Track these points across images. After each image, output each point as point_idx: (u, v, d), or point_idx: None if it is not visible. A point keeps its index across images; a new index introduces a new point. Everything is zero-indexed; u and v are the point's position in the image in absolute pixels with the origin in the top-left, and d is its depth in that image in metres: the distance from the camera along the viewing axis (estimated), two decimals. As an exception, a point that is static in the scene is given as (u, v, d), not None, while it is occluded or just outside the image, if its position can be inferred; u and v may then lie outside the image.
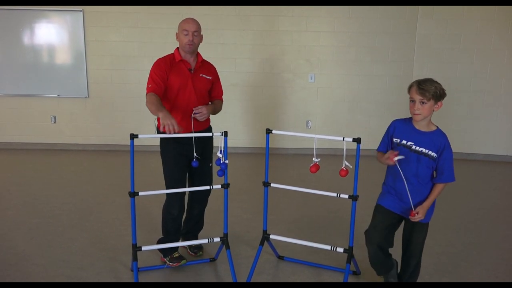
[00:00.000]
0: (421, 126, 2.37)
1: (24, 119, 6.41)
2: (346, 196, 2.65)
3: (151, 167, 5.14)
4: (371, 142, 6.49)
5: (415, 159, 2.36)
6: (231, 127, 6.39)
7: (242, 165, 5.79)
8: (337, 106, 6.42)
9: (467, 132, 6.34)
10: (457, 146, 6.40)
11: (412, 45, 6.21)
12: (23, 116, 6.40)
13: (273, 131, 2.78)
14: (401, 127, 2.44)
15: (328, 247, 2.73)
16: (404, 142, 2.39)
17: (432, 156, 2.34)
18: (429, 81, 2.28)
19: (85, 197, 4.35)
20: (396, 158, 2.31)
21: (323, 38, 6.23)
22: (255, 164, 5.95)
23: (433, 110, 2.31)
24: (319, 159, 2.59)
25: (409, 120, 2.43)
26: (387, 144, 2.51)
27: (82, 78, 6.28)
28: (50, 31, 6.18)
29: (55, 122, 6.43)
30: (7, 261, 2.98)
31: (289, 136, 6.21)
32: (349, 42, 6.23)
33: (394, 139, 2.44)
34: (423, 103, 2.27)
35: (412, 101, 2.32)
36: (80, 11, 6.08)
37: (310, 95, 6.39)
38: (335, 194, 2.70)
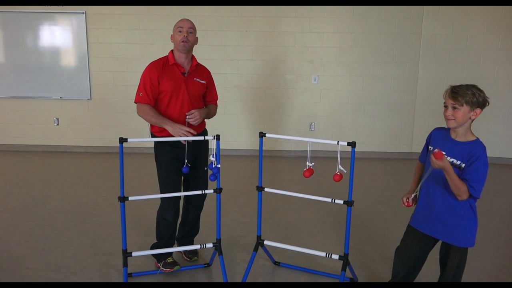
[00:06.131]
0: (457, 135, 2.16)
1: (27, 121, 6.43)
2: (341, 202, 2.58)
3: (152, 169, 5.11)
4: (376, 144, 6.44)
5: None
6: (233, 129, 6.35)
7: (243, 168, 5.74)
8: (341, 108, 6.33)
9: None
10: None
11: (417, 45, 6.11)
12: (27, 118, 6.42)
13: (267, 135, 2.72)
14: (437, 136, 2.26)
15: (323, 254, 2.66)
16: (437, 157, 2.13)
17: (460, 167, 2.11)
18: (465, 86, 2.10)
19: (84, 200, 4.33)
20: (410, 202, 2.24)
21: (326, 39, 6.15)
22: (257, 167, 5.88)
23: (470, 118, 2.10)
24: (313, 163, 2.53)
25: (448, 129, 2.23)
26: (426, 153, 2.31)
27: (85, 80, 6.28)
28: (53, 34, 6.20)
29: (58, 124, 6.45)
30: (0, 265, 2.96)
31: (292, 139, 6.16)
32: (353, 43, 6.14)
33: (430, 147, 2.29)
34: (455, 108, 2.09)
35: (445, 106, 2.15)
36: (83, 13, 6.08)
37: (313, 96, 6.32)
38: (329, 199, 2.63)
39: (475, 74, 6.04)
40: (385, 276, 2.88)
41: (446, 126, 2.22)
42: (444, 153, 2.09)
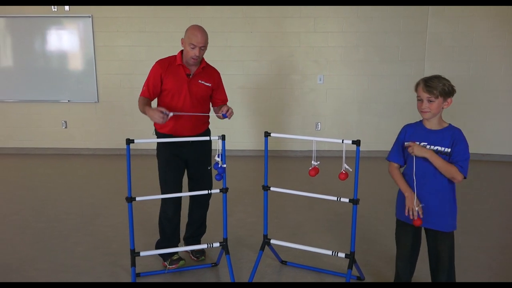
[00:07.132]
0: (432, 125, 2.25)
1: (35, 125, 6.50)
2: (347, 200, 2.59)
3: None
4: (382, 143, 6.42)
5: None
6: (239, 129, 6.37)
7: (249, 168, 5.76)
8: (347, 107, 6.33)
9: (481, 132, 6.17)
10: (471, 146, 6.23)
11: (422, 44, 6.09)
12: (35, 122, 6.49)
13: (272, 134, 2.74)
14: (412, 130, 2.31)
15: (329, 252, 2.67)
16: (417, 143, 2.25)
17: (447, 152, 2.20)
18: (436, 78, 2.19)
19: (92, 201, 4.37)
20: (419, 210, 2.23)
21: (331, 39, 6.16)
22: (262, 167, 5.89)
23: (443, 108, 2.21)
24: (318, 162, 2.54)
25: (420, 122, 2.32)
26: (399, 152, 2.35)
27: (92, 83, 6.35)
28: (60, 38, 6.27)
29: (66, 127, 6.51)
30: (10, 266, 3.00)
31: (297, 138, 6.17)
32: (358, 42, 6.14)
33: (406, 143, 2.31)
34: (430, 101, 2.18)
35: (420, 99, 2.22)
36: (89, 16, 6.14)
37: (319, 96, 6.32)
38: (335, 198, 2.64)
39: (481, 72, 6.02)
40: (391, 274, 2.86)
41: (413, 122, 2.35)
42: (418, 143, 2.24)
